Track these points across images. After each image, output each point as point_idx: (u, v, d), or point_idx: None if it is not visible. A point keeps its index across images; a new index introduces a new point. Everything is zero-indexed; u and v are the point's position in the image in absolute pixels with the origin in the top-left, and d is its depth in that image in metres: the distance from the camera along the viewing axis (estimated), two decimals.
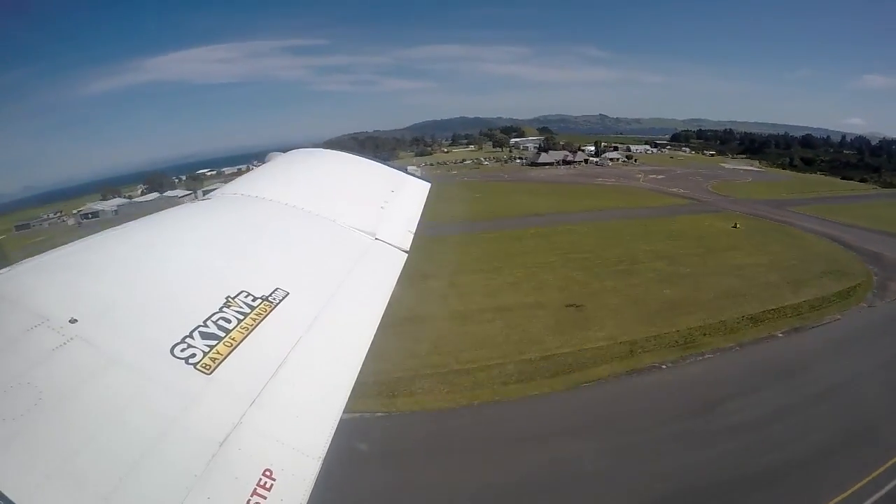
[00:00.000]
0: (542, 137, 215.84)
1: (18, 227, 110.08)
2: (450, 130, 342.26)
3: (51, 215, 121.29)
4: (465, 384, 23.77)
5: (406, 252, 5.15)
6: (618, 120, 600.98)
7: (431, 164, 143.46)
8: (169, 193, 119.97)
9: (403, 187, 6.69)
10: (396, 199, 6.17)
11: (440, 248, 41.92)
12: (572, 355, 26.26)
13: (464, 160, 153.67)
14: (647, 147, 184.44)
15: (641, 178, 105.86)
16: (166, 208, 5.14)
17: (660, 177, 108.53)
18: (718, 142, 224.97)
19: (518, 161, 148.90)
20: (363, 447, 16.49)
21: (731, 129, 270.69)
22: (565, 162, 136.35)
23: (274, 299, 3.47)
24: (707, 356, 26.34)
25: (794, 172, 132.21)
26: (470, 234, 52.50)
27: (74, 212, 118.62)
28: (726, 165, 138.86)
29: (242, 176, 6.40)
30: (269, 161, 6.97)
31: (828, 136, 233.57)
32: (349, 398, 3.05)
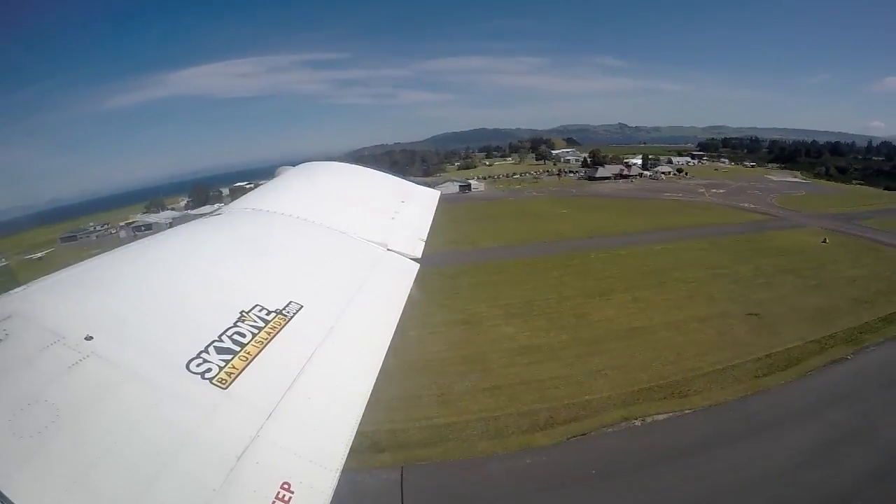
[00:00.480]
0: (572, 148, 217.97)
1: (64, 239, 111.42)
2: (469, 142, 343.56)
3: (97, 227, 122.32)
4: (739, 376, 28.47)
5: (417, 261, 5.25)
6: (637, 129, 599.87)
7: (485, 178, 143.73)
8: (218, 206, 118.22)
9: (413, 197, 6.87)
10: (406, 209, 6.34)
11: (591, 263, 49.92)
12: (787, 352, 30.96)
13: (514, 174, 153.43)
14: (688, 159, 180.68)
15: (706, 194, 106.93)
16: None
17: (721, 191, 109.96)
18: (745, 150, 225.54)
19: (571, 175, 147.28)
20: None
21: (756, 137, 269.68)
22: (621, 176, 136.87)
23: (288, 312, 3.55)
24: (871, 348, 32.22)
25: (835, 183, 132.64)
26: (607, 250, 56.91)
27: (122, 224, 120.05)
28: (773, 178, 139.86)
29: (253, 191, 6.59)
30: (279, 175, 7.16)
31: (853, 142, 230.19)
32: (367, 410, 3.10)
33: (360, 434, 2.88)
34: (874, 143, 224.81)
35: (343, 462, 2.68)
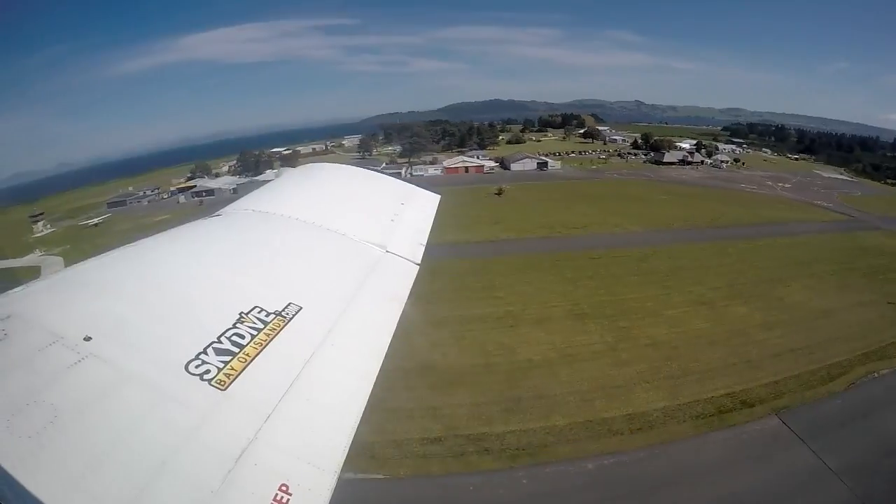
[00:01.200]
0: (604, 127, 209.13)
1: (112, 204, 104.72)
2: (484, 113, 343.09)
3: (147, 192, 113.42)
4: None
5: (417, 264, 5.26)
6: (654, 107, 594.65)
7: (553, 155, 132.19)
8: (271, 172, 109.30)
9: (413, 200, 6.89)
10: (406, 212, 6.35)
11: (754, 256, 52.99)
12: None
13: (570, 152, 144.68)
14: (733, 147, 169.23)
15: (779, 187, 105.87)
16: None
17: (787, 185, 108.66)
18: (772, 138, 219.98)
19: (631, 156, 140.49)
20: None
21: (782, 125, 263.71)
22: (685, 162, 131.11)
23: (287, 314, 3.57)
24: None
25: (879, 184, 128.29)
26: (749, 240, 59.04)
27: (175, 189, 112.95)
28: (822, 174, 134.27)
29: (254, 192, 6.60)
30: (280, 176, 7.23)
31: (877, 136, 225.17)
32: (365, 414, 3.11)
33: None
34: (891, 135, 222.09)
35: (341, 464, 2.68)
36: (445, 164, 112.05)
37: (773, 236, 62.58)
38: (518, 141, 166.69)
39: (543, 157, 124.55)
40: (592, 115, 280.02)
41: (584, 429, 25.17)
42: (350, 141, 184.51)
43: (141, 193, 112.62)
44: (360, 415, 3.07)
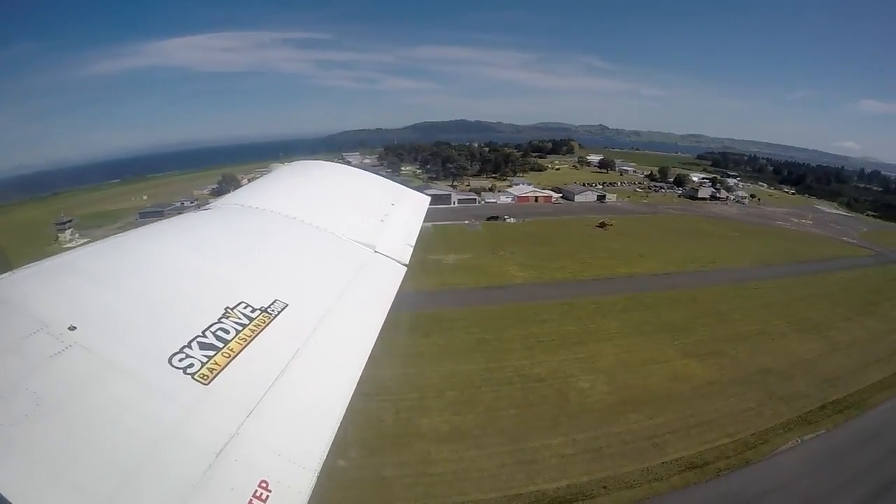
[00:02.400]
0: (601, 157, 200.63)
1: (145, 215, 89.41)
2: (450, 133, 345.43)
3: (186, 202, 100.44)
4: None
5: (405, 265, 5.26)
6: (618, 131, 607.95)
7: (587, 185, 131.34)
8: None
9: (403, 200, 6.89)
10: (396, 212, 6.37)
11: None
12: None
13: (605, 182, 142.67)
14: (735, 180, 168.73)
15: (803, 223, 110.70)
16: None
17: (808, 221, 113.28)
18: (748, 167, 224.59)
19: (661, 191, 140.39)
20: None
21: (755, 156, 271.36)
22: (714, 197, 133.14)
23: (273, 311, 3.57)
24: None
25: (872, 218, 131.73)
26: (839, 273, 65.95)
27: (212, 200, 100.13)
28: (824, 209, 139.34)
29: (244, 187, 6.60)
30: (270, 172, 7.20)
31: (842, 166, 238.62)
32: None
33: None
34: (846, 163, 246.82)
35: (322, 463, 2.69)
36: (517, 193, 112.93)
37: (842, 270, 69.70)
38: (539, 169, 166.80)
39: (603, 191, 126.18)
40: (573, 140, 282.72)
41: None
42: (353, 157, 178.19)
43: (178, 204, 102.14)
44: (343, 414, 3.07)
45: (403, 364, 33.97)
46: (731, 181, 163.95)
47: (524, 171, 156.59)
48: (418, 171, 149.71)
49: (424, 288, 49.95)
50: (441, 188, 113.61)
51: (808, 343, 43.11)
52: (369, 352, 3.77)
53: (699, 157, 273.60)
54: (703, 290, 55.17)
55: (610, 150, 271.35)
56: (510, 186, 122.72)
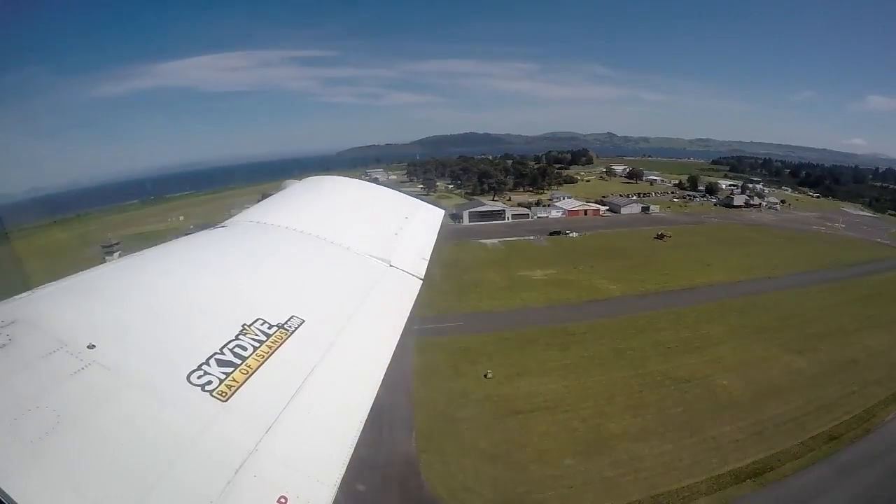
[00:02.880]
0: (626, 166, 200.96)
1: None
2: (459, 146, 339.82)
3: None
4: None
5: (420, 279, 5.28)
6: (626, 139, 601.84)
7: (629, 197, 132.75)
8: None
9: (417, 214, 6.92)
10: (410, 226, 6.40)
11: None
12: None
13: (639, 193, 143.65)
14: (759, 186, 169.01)
15: (836, 227, 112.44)
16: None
17: (841, 225, 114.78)
18: (764, 171, 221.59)
19: (696, 200, 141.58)
20: None
21: (768, 158, 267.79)
22: (748, 205, 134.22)
23: (290, 327, 3.61)
24: None
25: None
26: None
27: None
28: (850, 211, 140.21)
29: (258, 204, 6.65)
30: (284, 188, 7.30)
31: (856, 165, 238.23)
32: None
33: None
34: (855, 160, 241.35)
35: (340, 478, 2.71)
36: (567, 207, 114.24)
37: (891, 270, 74.76)
38: (571, 181, 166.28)
39: (638, 200, 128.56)
40: (588, 150, 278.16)
41: None
42: (377, 173, 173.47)
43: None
44: (361, 429, 3.08)
45: (562, 377, 39.48)
46: (758, 187, 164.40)
47: (558, 183, 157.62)
48: (450, 186, 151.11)
49: (533, 304, 55.90)
50: (492, 203, 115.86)
51: (878, 337, 49.29)
52: (387, 366, 3.76)
53: (713, 162, 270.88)
54: (775, 295, 60.35)
55: (623, 158, 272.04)
56: (552, 200, 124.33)
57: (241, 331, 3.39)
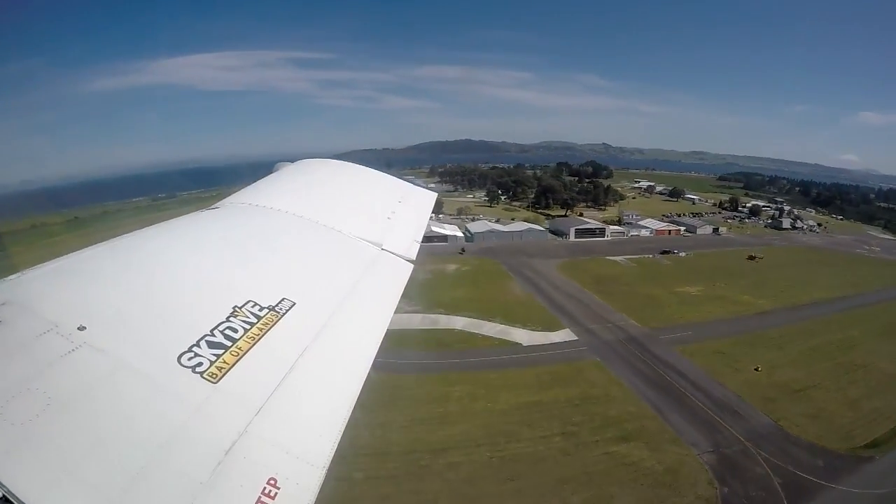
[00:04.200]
0: (649, 183, 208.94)
1: None
2: (455, 153, 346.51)
3: None
4: None
5: (412, 262, 5.36)
6: (622, 149, 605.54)
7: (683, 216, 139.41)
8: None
9: (410, 198, 7.02)
10: (403, 210, 6.49)
11: None
12: None
13: (693, 213, 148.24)
14: (788, 207, 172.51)
15: (874, 250, 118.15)
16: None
17: (876, 248, 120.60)
18: (772, 188, 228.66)
19: (749, 222, 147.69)
20: None
21: (776, 176, 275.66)
22: (793, 227, 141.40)
23: (280, 309, 3.66)
24: None
25: None
26: None
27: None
28: (877, 235, 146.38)
29: (250, 185, 6.61)
30: (276, 171, 7.28)
31: (857, 185, 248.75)
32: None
33: None
34: (848, 176, 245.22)
35: (330, 460, 2.77)
36: (653, 226, 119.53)
37: None
38: (621, 198, 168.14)
39: (707, 222, 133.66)
40: (589, 162, 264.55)
41: None
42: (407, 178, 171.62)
43: None
44: (350, 411, 3.15)
45: (806, 365, 49.37)
46: (785, 208, 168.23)
47: (614, 201, 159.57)
48: (482, 196, 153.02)
49: (721, 315, 63.30)
50: (593, 221, 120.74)
51: None
52: (377, 349, 3.83)
53: (720, 178, 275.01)
54: (877, 307, 69.66)
55: (625, 170, 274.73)
56: (623, 217, 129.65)
57: (232, 313, 3.42)
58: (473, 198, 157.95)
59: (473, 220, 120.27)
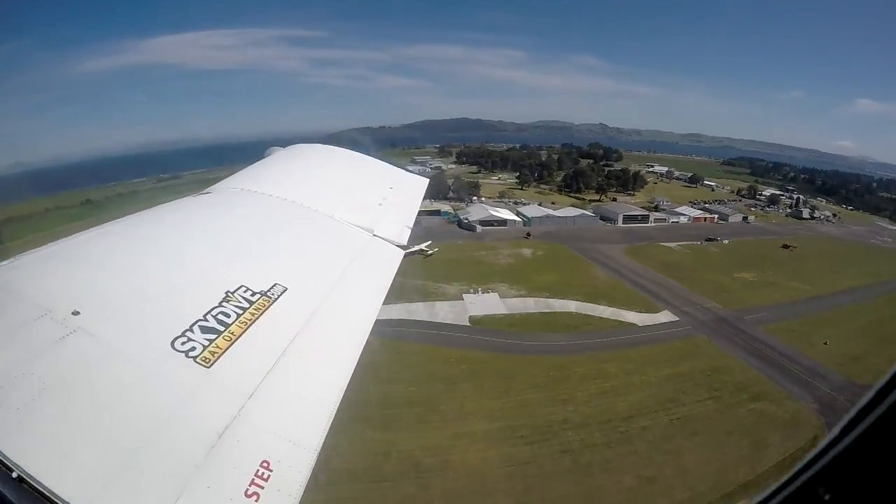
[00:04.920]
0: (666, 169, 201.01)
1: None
2: (451, 132, 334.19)
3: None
4: None
5: (403, 248, 5.45)
6: (619, 130, 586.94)
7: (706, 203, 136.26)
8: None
9: (401, 184, 7.13)
10: (394, 196, 6.57)
11: None
12: None
13: (715, 200, 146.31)
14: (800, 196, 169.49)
15: (888, 240, 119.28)
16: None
17: (888, 239, 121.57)
18: (777, 175, 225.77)
19: (771, 210, 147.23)
20: None
21: (779, 162, 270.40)
22: (811, 217, 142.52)
23: (272, 294, 3.73)
24: None
25: None
26: None
27: (468, 216, 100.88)
28: (883, 225, 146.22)
29: (242, 171, 6.67)
30: (268, 155, 7.34)
31: (858, 174, 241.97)
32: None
33: None
34: (845, 163, 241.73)
35: (321, 443, 2.85)
36: (692, 214, 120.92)
37: None
38: (644, 183, 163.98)
39: (737, 210, 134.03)
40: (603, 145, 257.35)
41: None
42: (423, 160, 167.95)
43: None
44: (341, 396, 3.23)
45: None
46: (807, 199, 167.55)
47: (641, 187, 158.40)
48: (507, 178, 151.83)
49: (776, 301, 67.66)
50: (637, 208, 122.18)
51: None
52: (368, 333, 3.91)
53: (724, 163, 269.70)
54: None
55: (629, 153, 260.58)
56: (657, 204, 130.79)
57: (225, 298, 3.48)
58: (499, 179, 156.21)
59: (522, 204, 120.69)
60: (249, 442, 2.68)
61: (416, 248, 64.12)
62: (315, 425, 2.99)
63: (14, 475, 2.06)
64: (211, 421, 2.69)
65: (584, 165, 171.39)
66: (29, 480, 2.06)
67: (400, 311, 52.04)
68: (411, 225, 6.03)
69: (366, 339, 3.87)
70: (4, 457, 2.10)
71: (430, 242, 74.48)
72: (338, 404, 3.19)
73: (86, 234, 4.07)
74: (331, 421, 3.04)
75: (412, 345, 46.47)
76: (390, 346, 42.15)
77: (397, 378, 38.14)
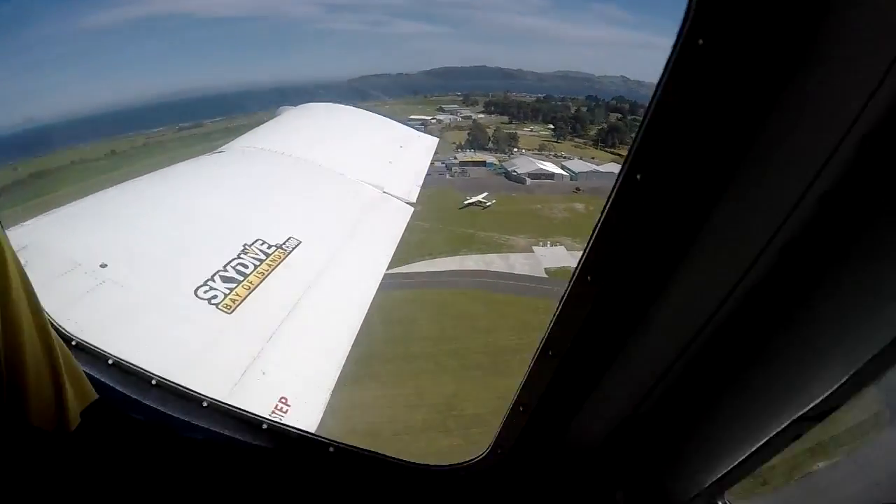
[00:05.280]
0: None
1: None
2: (471, 79, 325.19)
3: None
4: None
5: (412, 205, 5.45)
6: (640, 83, 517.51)
7: None
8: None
9: (412, 143, 6.98)
10: (405, 155, 6.50)
11: None
12: None
13: None
14: None
15: None
16: None
17: None
18: None
19: None
20: None
21: None
22: None
23: (287, 247, 3.79)
24: None
25: None
26: None
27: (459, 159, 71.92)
28: None
29: (255, 129, 6.68)
30: (280, 115, 7.27)
31: None
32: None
33: None
34: None
35: (334, 382, 2.98)
36: None
37: None
38: None
39: None
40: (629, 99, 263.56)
41: None
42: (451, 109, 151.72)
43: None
44: (353, 339, 3.33)
45: None
46: None
47: None
48: (539, 129, 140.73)
49: None
50: None
51: None
52: (378, 283, 3.97)
53: None
54: None
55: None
56: None
57: (243, 250, 3.55)
58: (531, 131, 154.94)
59: (565, 158, 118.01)
60: (268, 381, 2.81)
61: (475, 199, 60.85)
62: (329, 366, 3.10)
63: None
64: (233, 362, 2.82)
65: (614, 120, 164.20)
66: None
67: (478, 263, 51.79)
68: (421, 183, 6.01)
69: (376, 288, 3.94)
70: None
71: (486, 194, 66.99)
72: (349, 348, 3.28)
73: (109, 192, 4.19)
74: (343, 362, 3.15)
75: (499, 295, 44.82)
76: (481, 298, 40.83)
77: (496, 327, 36.94)
